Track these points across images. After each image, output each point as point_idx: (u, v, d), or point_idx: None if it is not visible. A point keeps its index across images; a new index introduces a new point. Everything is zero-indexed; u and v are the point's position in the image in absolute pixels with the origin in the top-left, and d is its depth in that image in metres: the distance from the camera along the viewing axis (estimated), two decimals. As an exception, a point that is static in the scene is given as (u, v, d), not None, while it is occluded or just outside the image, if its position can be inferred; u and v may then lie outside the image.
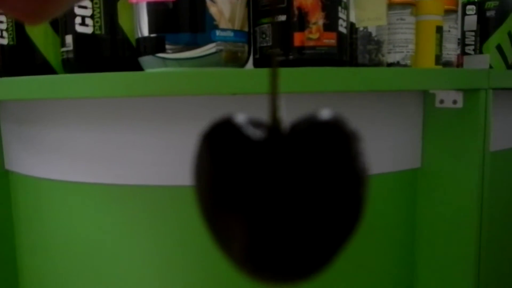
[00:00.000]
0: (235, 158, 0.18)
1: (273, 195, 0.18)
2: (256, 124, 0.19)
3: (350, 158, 0.18)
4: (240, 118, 0.19)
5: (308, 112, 0.19)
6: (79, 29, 0.59)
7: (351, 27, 0.67)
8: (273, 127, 0.18)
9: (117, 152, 0.64)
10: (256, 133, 0.18)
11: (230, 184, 0.18)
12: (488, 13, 0.92)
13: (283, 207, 0.18)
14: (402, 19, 0.71)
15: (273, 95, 0.19)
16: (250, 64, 0.63)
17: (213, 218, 0.19)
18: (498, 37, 0.91)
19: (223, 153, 0.18)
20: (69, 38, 0.61)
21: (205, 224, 0.20)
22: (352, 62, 0.69)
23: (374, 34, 0.70)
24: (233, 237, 0.19)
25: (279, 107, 0.19)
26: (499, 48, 0.91)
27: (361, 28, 0.69)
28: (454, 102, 0.68)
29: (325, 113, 0.18)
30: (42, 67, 0.68)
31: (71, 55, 0.61)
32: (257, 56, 0.61)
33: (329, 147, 0.18)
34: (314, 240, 0.18)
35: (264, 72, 0.51)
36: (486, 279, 0.72)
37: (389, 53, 0.73)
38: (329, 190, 0.18)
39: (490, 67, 0.92)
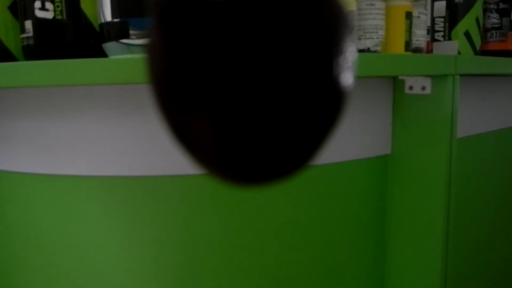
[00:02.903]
0: (191, 33, 0.14)
1: (238, 75, 0.14)
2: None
3: (331, 26, 0.14)
4: None
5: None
6: (39, 14, 0.57)
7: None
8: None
9: (84, 142, 0.62)
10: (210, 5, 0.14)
11: (188, 65, 0.14)
12: (457, -1, 0.92)
13: (249, 88, 0.14)
14: (371, 5, 0.71)
15: None
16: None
17: (172, 113, 0.16)
18: (466, 23, 0.92)
19: (177, 28, 0.14)
20: (28, 24, 0.58)
21: (164, 124, 0.17)
22: (322, 48, 0.68)
23: (344, 20, 0.69)
24: (196, 134, 0.15)
25: None
26: (467, 34, 0.92)
27: (331, 14, 0.68)
28: (423, 88, 0.69)
29: None
30: (1, 54, 0.65)
31: (31, 42, 0.59)
32: (226, 42, 0.60)
33: (303, 11, 0.14)
34: (287, 127, 0.15)
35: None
36: (453, 261, 0.73)
37: (359, 39, 0.72)
38: (304, 66, 0.14)
39: (459, 53, 0.93)
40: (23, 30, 0.59)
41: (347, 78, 0.15)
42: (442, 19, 0.95)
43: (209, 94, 0.14)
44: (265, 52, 0.14)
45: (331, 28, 0.15)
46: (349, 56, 0.15)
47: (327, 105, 0.15)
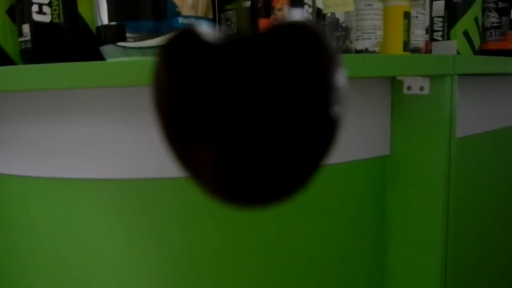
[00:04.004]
0: (194, 68, 0.15)
1: (240, 109, 0.15)
2: (220, 34, 0.16)
3: (323, 64, 0.16)
4: (203, 28, 0.16)
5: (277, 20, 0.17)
6: (37, 17, 0.57)
7: (318, 13, 0.66)
8: (239, 35, 0.16)
9: (82, 145, 0.62)
10: (219, 41, 0.16)
11: (192, 99, 0.15)
12: (455, -1, 0.92)
13: (250, 120, 0.15)
14: (369, 5, 0.71)
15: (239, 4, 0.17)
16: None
17: (176, 141, 0.17)
18: (465, 22, 0.92)
19: (183, 65, 0.16)
20: (26, 28, 0.58)
21: (168, 150, 0.18)
22: (320, 49, 0.68)
23: (342, 20, 0.70)
24: (200, 161, 0.17)
25: (245, 14, 0.17)
26: (466, 34, 0.92)
27: (329, 15, 0.68)
28: (421, 88, 0.69)
29: (292, 16, 0.16)
30: (-1, 58, 0.65)
31: (29, 45, 0.59)
32: (223, 44, 0.60)
33: (298, 51, 0.16)
34: (285, 156, 0.16)
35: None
36: (453, 261, 0.73)
37: (357, 40, 0.72)
38: (301, 100, 0.16)
39: (458, 53, 0.93)
40: (20, 33, 0.59)
41: (339, 108, 0.17)
42: (441, 19, 0.95)
43: (212, 124, 0.15)
44: (263, 89, 0.15)
45: (323, 66, 0.16)
46: (341, 89, 0.16)
47: (322, 134, 0.16)
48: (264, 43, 0.16)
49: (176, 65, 0.16)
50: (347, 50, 0.69)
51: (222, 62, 0.15)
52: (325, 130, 0.17)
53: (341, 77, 0.17)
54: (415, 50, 0.83)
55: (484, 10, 0.98)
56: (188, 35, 0.16)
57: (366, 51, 0.72)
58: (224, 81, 0.15)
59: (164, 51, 0.17)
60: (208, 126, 0.15)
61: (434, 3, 0.96)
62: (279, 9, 0.54)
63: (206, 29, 0.16)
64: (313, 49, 0.16)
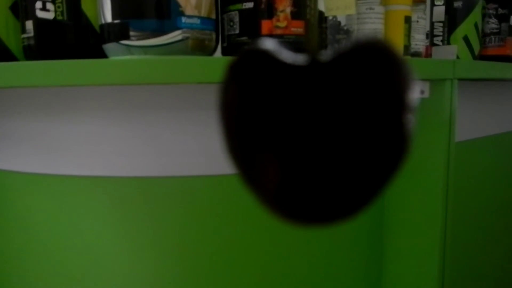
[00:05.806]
0: (264, 88, 0.16)
1: (307, 127, 0.15)
2: (290, 53, 0.17)
3: (395, 87, 0.16)
4: (272, 47, 0.16)
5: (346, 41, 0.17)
6: (40, 14, 0.57)
7: (320, 15, 0.66)
8: (309, 55, 0.16)
9: (83, 143, 0.63)
10: (289, 61, 0.16)
11: (258, 116, 0.16)
12: (456, 4, 0.93)
13: (317, 140, 0.15)
14: (371, 9, 0.72)
15: (310, 24, 0.17)
16: (218, 53, 0.62)
17: (240, 154, 0.17)
18: (465, 28, 0.93)
19: (251, 83, 0.16)
20: (29, 24, 0.58)
21: (231, 161, 0.18)
22: (321, 51, 0.69)
23: (343, 23, 0.70)
24: (262, 175, 0.17)
25: (316, 35, 0.17)
26: (466, 39, 0.93)
27: (331, 17, 0.68)
28: (421, 92, 0.69)
29: (363, 38, 0.17)
30: (2, 54, 0.65)
31: (32, 42, 0.59)
32: (225, 44, 0.60)
33: (370, 73, 0.16)
34: (351, 178, 0.16)
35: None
36: (451, 265, 0.73)
37: (358, 43, 0.73)
38: (372, 123, 0.16)
39: (458, 58, 0.93)
40: (24, 30, 0.60)
41: (411, 126, 0.17)
42: (441, 24, 0.96)
43: (280, 142, 0.15)
44: (337, 110, 0.15)
45: (399, 86, 0.16)
46: (413, 105, 0.17)
47: (393, 152, 0.17)
48: (338, 64, 0.16)
49: (246, 84, 0.16)
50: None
51: (295, 83, 0.15)
52: (397, 149, 0.17)
53: (414, 95, 0.17)
54: (416, 54, 0.84)
55: (484, 16, 0.99)
56: (256, 53, 0.16)
57: (367, 54, 0.72)
58: (297, 102, 0.15)
59: (232, 69, 0.17)
60: (276, 145, 0.16)
61: (435, 8, 0.97)
62: (282, 11, 0.55)
63: (273, 47, 0.16)
64: (390, 70, 0.16)
